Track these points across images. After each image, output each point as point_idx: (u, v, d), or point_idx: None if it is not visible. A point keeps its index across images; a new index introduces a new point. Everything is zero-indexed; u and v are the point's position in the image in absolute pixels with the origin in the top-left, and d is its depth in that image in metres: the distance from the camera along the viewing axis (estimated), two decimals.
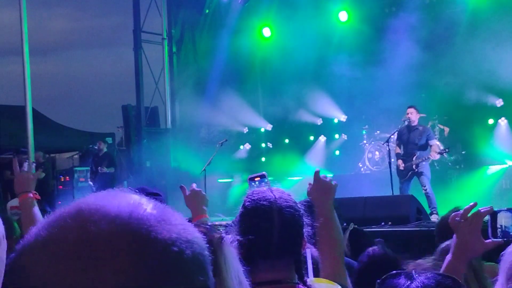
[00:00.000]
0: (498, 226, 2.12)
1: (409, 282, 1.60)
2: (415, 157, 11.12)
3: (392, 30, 14.16)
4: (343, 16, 15.81)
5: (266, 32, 17.22)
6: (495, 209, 2.20)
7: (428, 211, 10.31)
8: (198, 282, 0.75)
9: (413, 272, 1.64)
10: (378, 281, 1.70)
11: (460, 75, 13.22)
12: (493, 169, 13.52)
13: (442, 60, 13.84)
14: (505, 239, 2.12)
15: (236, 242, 2.17)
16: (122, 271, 0.70)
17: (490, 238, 2.16)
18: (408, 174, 11.19)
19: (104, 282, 0.69)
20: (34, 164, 3.20)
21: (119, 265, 0.70)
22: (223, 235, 1.39)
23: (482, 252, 2.22)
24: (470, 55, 12.81)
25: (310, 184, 2.91)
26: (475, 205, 2.24)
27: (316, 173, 2.92)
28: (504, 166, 13.40)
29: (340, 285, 2.36)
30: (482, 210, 2.18)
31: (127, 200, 0.77)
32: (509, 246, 1.54)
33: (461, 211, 2.23)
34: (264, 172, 2.93)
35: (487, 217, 2.19)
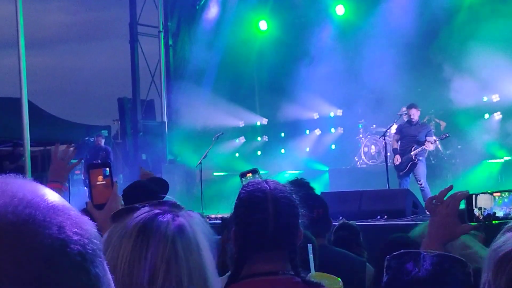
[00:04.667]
0: (477, 208, 2.12)
1: (416, 269, 1.61)
2: (413, 148, 11.13)
3: (389, 23, 14.15)
4: (340, 9, 15.79)
5: (263, 25, 17.20)
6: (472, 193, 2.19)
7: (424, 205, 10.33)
8: (77, 282, 0.71)
9: (421, 256, 1.63)
10: (388, 257, 1.70)
11: (457, 69, 13.23)
12: (489, 163, 13.54)
13: (438, 54, 13.84)
14: (486, 222, 2.12)
15: (232, 233, 2.18)
16: None
17: (466, 222, 2.16)
18: (407, 166, 11.19)
19: None
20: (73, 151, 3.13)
21: None
22: (189, 212, 1.55)
23: (459, 236, 2.21)
24: (467, 49, 12.81)
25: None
26: (451, 188, 2.23)
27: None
28: (500, 160, 13.43)
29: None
30: (458, 194, 2.18)
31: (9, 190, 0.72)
32: (494, 243, 1.53)
33: (437, 194, 2.23)
34: (255, 168, 2.94)
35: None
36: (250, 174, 2.95)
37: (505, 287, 1.40)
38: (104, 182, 2.49)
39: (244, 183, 2.90)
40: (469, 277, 1.63)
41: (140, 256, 1.45)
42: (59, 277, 0.69)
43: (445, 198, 2.19)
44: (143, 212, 1.54)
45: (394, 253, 1.67)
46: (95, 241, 0.75)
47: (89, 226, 0.76)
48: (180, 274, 1.46)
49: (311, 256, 2.34)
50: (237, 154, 17.55)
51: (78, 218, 0.75)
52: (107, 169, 2.50)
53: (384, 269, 1.72)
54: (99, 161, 13.68)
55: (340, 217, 8.74)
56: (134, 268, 1.44)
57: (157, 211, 1.55)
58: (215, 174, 16.44)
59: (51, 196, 0.75)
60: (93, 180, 2.49)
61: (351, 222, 5.35)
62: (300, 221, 2.17)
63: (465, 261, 1.64)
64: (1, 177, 0.75)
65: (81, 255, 0.72)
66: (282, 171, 15.73)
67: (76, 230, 0.73)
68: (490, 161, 13.48)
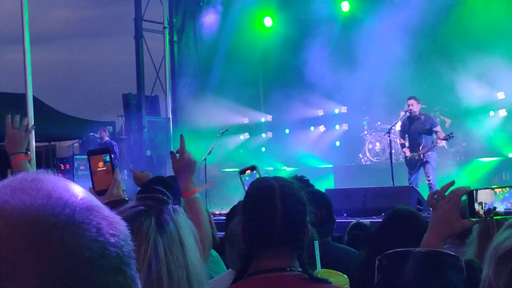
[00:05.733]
0: (478, 203, 2.12)
1: (407, 269, 1.61)
2: (421, 146, 11.10)
3: (394, 19, 14.11)
4: (345, 6, 15.78)
5: (268, 21, 17.18)
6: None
7: None
8: (115, 284, 0.72)
9: (412, 254, 1.63)
10: (379, 257, 1.70)
11: (462, 66, 13.20)
12: (493, 160, 13.52)
13: (443, 51, 13.81)
14: (487, 217, 2.12)
15: (240, 230, 2.18)
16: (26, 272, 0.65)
17: (467, 218, 2.17)
18: (417, 164, 11.18)
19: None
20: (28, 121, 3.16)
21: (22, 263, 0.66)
22: (173, 205, 1.66)
23: (460, 231, 2.22)
24: (472, 46, 12.78)
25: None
26: (452, 183, 2.24)
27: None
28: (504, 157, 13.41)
29: None
30: (459, 189, 2.19)
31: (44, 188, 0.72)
32: (495, 239, 1.53)
33: (439, 189, 2.24)
34: (254, 165, 2.94)
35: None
36: (249, 171, 2.95)
37: (505, 285, 1.41)
38: (104, 168, 2.48)
39: (243, 180, 2.91)
40: (462, 272, 1.63)
41: None
42: (99, 279, 0.70)
43: (446, 193, 2.20)
44: (127, 207, 1.55)
45: (386, 252, 1.67)
46: (129, 242, 0.76)
47: (122, 226, 0.76)
48: (160, 274, 1.49)
49: (317, 252, 2.34)
50: (241, 151, 17.56)
51: (112, 218, 0.75)
52: (107, 155, 2.49)
53: (376, 269, 1.72)
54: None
55: (344, 214, 8.78)
56: None
57: (141, 208, 1.56)
58: (225, 170, 16.43)
59: (84, 194, 0.75)
60: (93, 167, 2.48)
61: (364, 221, 5.42)
62: (307, 218, 2.17)
63: (457, 256, 1.64)
64: (32, 174, 0.74)
65: (119, 258, 0.72)
66: (283, 168, 15.75)
67: (112, 231, 0.73)
68: (492, 158, 13.46)
